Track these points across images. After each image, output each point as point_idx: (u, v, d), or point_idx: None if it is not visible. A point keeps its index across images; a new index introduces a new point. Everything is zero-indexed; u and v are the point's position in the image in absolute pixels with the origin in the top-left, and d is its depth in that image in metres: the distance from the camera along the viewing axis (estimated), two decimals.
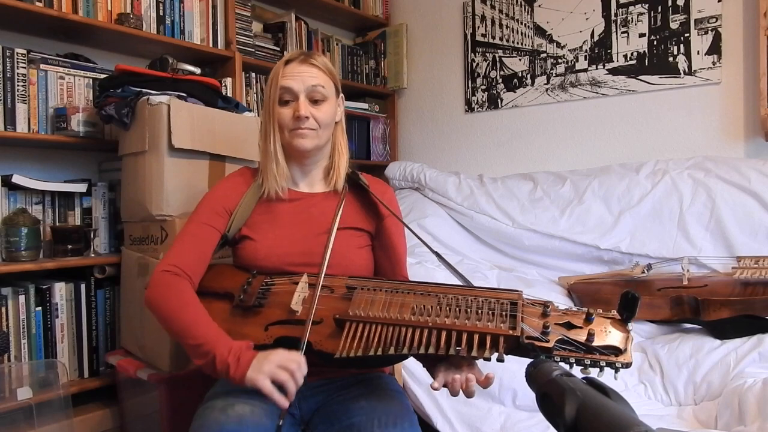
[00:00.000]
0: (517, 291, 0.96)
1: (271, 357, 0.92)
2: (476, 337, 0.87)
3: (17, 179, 1.69)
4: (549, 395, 0.66)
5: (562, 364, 0.84)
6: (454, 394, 0.91)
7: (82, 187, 1.83)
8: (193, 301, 1.04)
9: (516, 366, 1.47)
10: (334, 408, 1.07)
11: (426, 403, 1.47)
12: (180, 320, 1.01)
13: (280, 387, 0.91)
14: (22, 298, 1.65)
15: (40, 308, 1.69)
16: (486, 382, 0.90)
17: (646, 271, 1.84)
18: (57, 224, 1.81)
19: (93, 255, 1.81)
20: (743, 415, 1.18)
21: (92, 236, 1.82)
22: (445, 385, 0.92)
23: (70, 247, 1.74)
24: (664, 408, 1.42)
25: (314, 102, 1.14)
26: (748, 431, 1.13)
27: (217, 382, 1.14)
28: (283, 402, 0.90)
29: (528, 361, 0.79)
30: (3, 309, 1.62)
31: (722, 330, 1.51)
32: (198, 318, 1.01)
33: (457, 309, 0.92)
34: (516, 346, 0.87)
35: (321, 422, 1.07)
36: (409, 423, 1.01)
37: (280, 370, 0.91)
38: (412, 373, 1.48)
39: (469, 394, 0.89)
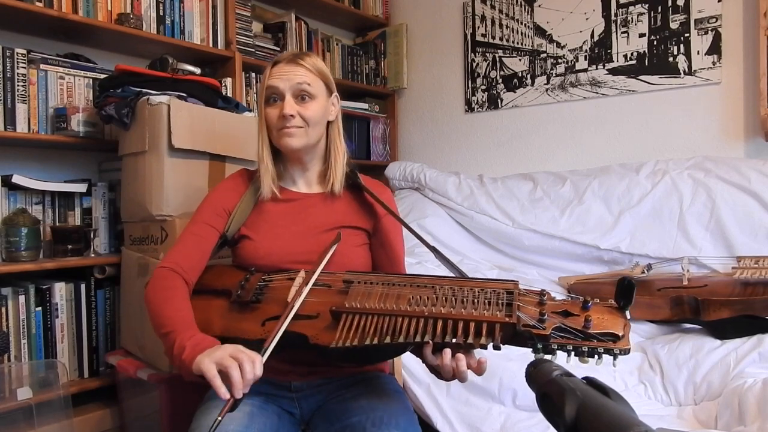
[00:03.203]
0: (514, 281, 0.96)
1: (226, 346, 0.89)
2: (472, 325, 0.86)
3: (17, 179, 1.69)
4: (549, 395, 0.66)
5: (560, 352, 0.84)
6: (445, 376, 0.89)
7: (82, 187, 1.83)
8: (178, 294, 1.04)
9: (516, 366, 1.47)
10: (334, 407, 1.07)
11: (426, 403, 1.47)
12: (158, 310, 1.01)
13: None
14: (22, 298, 1.65)
15: (40, 308, 1.69)
16: (479, 369, 0.89)
17: (646, 271, 1.84)
18: (57, 224, 1.81)
19: (93, 255, 1.81)
20: (743, 415, 1.18)
21: (92, 236, 1.82)
22: (438, 375, 0.91)
23: (70, 247, 1.74)
24: (664, 408, 1.42)
25: (301, 100, 1.14)
26: (748, 431, 1.13)
27: None
28: (223, 391, 0.82)
29: (528, 360, 0.79)
30: (3, 309, 1.62)
31: (722, 330, 1.51)
32: (174, 307, 1.01)
33: (454, 299, 0.92)
34: (512, 334, 0.87)
35: (321, 422, 1.07)
36: (409, 423, 1.01)
37: (229, 358, 0.85)
38: (412, 373, 1.48)
39: (460, 377, 0.88)
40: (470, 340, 0.85)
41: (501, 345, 0.83)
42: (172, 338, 0.95)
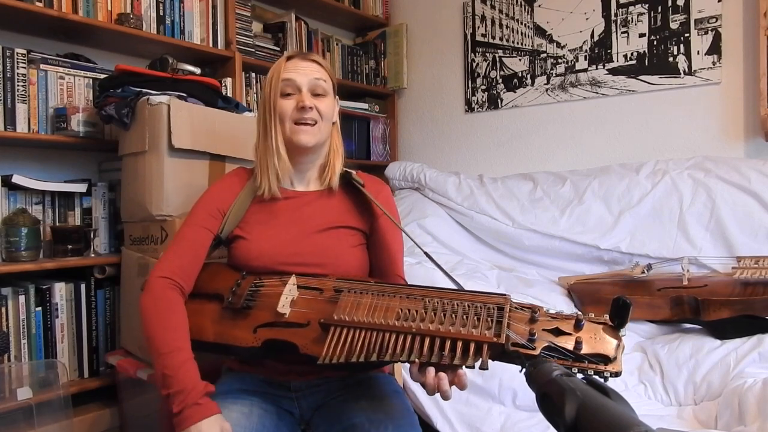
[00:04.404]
0: (505, 295, 0.94)
1: None
2: (460, 343, 0.85)
3: (17, 179, 1.69)
4: (549, 395, 0.66)
5: None
6: (429, 392, 0.88)
7: (82, 187, 1.83)
8: (174, 319, 1.03)
9: (516, 366, 1.47)
10: (334, 408, 1.07)
11: (426, 403, 1.47)
12: (154, 336, 1.01)
13: None
14: (22, 298, 1.65)
15: (40, 308, 1.69)
16: (461, 383, 0.87)
17: (646, 271, 1.84)
18: (57, 224, 1.81)
19: (93, 255, 1.81)
20: (743, 415, 1.18)
21: (92, 236, 1.82)
22: (423, 386, 0.91)
23: (70, 247, 1.74)
24: (664, 408, 1.42)
25: (315, 95, 1.15)
26: (748, 431, 1.13)
27: (217, 383, 1.14)
28: None
29: None
30: (3, 309, 1.62)
31: (722, 330, 1.51)
32: (171, 344, 1.00)
33: (443, 314, 0.90)
34: (501, 353, 0.85)
35: (322, 422, 1.07)
36: (410, 423, 1.01)
37: None
38: None
39: (444, 395, 0.86)
40: (456, 361, 0.83)
41: (488, 366, 0.82)
42: (162, 382, 0.97)
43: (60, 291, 1.73)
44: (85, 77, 1.86)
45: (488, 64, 2.73)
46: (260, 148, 1.18)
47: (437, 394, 0.86)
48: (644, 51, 2.29)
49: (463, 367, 0.84)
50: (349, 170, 1.22)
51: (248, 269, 1.13)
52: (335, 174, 1.19)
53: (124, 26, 1.90)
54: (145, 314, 1.04)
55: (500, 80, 2.70)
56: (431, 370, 0.85)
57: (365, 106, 2.93)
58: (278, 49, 2.53)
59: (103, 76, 1.85)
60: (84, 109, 1.76)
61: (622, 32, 2.34)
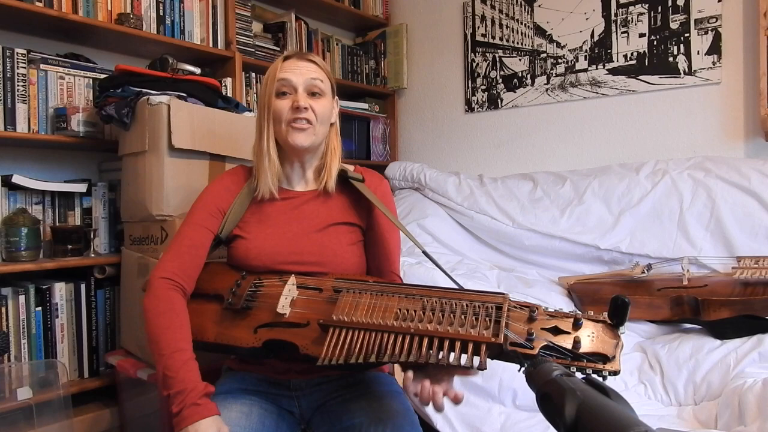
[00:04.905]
0: (503, 294, 0.93)
1: None
2: (458, 344, 0.85)
3: (17, 179, 1.69)
4: (549, 395, 0.66)
5: None
6: (422, 403, 0.88)
7: (82, 187, 1.83)
8: (176, 321, 1.03)
9: (516, 366, 1.47)
10: (334, 407, 1.07)
11: None
12: (157, 338, 1.01)
13: None
14: (22, 298, 1.65)
15: (40, 308, 1.69)
16: (456, 399, 0.88)
17: (646, 271, 1.84)
18: (57, 224, 1.81)
19: (93, 255, 1.81)
20: (743, 415, 1.18)
21: (92, 236, 1.82)
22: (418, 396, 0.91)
23: (70, 247, 1.74)
24: (664, 408, 1.42)
25: (312, 95, 1.14)
26: (748, 431, 1.13)
27: (217, 383, 1.14)
28: None
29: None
30: (3, 309, 1.62)
31: (722, 330, 1.51)
32: (172, 345, 1.00)
33: (441, 313, 0.90)
34: (499, 353, 0.85)
35: (322, 422, 1.07)
36: (410, 423, 1.01)
37: None
38: None
39: (437, 407, 0.87)
40: (453, 362, 0.83)
41: (486, 366, 0.82)
42: (163, 382, 0.98)
43: (60, 291, 1.73)
44: (85, 77, 1.85)
45: (488, 64, 2.73)
46: (255, 149, 1.19)
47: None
48: (644, 51, 2.29)
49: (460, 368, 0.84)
50: (345, 168, 1.22)
51: (248, 269, 1.13)
52: (332, 176, 1.19)
53: (124, 26, 1.90)
54: (147, 315, 1.04)
55: (500, 80, 2.70)
56: (426, 384, 0.86)
57: (365, 106, 2.93)
58: (278, 49, 2.54)
59: (103, 76, 1.85)
60: (84, 109, 1.76)
61: (622, 32, 2.34)
